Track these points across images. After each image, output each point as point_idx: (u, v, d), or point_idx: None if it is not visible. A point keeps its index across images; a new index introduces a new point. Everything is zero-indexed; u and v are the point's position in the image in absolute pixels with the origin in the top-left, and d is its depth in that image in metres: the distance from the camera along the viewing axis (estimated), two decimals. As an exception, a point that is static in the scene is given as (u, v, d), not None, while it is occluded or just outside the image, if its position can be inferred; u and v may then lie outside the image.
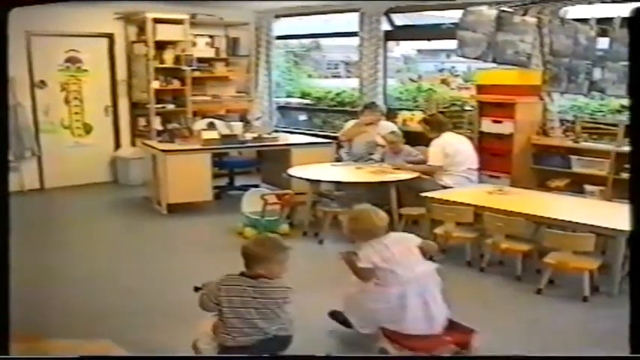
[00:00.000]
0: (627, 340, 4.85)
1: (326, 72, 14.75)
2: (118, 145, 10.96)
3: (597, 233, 5.65)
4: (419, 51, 14.46)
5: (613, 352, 4.65)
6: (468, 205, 6.51)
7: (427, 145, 7.80)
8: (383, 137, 8.36)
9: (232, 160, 10.05)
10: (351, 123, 8.95)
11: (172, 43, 10.50)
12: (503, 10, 8.01)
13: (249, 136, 9.17)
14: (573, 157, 8.01)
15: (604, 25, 7.59)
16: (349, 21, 10.49)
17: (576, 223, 5.87)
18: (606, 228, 5.76)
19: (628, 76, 2.93)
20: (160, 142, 9.06)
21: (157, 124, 10.44)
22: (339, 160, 8.66)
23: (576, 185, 7.75)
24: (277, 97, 12.20)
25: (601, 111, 8.80)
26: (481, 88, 8.71)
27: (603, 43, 7.70)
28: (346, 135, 8.79)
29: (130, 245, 7.59)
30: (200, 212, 8.55)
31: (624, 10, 7.30)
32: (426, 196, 6.88)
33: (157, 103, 10.50)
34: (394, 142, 8.23)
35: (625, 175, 7.40)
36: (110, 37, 10.60)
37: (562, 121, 8.51)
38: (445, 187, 7.33)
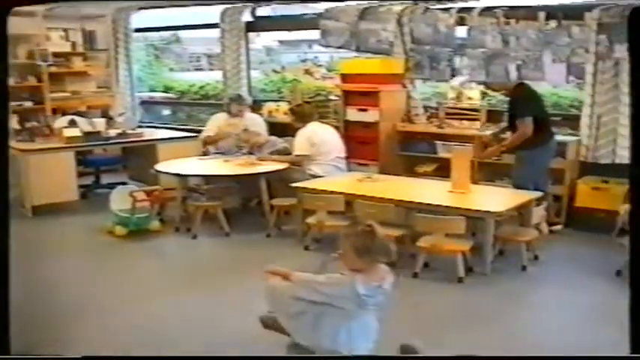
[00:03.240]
0: (502, 316, 5.05)
1: (188, 65, 14.57)
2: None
3: (467, 216, 5.78)
4: (280, 42, 14.49)
5: (490, 329, 4.80)
6: (339, 193, 6.54)
7: (294, 135, 7.80)
8: (237, 135, 8.27)
9: (97, 158, 9.74)
10: (216, 117, 8.80)
11: (25, 37, 10.07)
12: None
13: (112, 132, 8.91)
14: (439, 143, 8.18)
15: (463, 13, 7.79)
16: (210, 12, 10.33)
17: (446, 206, 6.01)
18: (475, 210, 5.93)
19: (629, 75, 2.96)
20: (19, 141, 8.66)
21: (14, 123, 9.99)
22: (206, 153, 8.53)
23: (444, 170, 7.92)
24: (140, 92, 11.94)
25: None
26: (345, 78, 8.75)
27: (462, 31, 7.93)
28: (213, 138, 8.57)
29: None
30: (67, 212, 8.22)
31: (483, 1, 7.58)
32: (297, 187, 6.86)
33: (13, 100, 10.03)
34: (248, 140, 8.19)
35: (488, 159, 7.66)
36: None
37: (426, 108, 8.69)
38: (315, 177, 7.34)
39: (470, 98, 8.19)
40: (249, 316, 4.46)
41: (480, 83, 7.98)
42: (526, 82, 7.29)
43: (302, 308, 3.99)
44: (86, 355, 3.61)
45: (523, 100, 6.94)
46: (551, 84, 8.33)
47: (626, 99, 7.17)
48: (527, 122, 6.73)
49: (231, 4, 9.89)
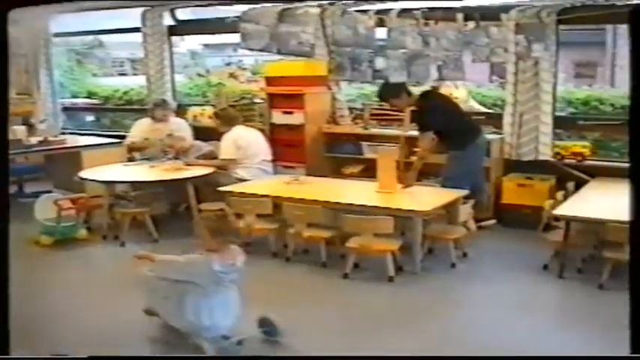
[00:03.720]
0: (433, 314, 5.10)
1: (112, 70, 14.35)
2: None
3: (395, 215, 5.81)
4: (205, 45, 14.40)
5: (421, 327, 4.85)
6: (266, 196, 6.53)
7: (220, 139, 7.75)
8: (161, 141, 8.18)
9: (19, 167, 9.44)
10: (140, 123, 8.67)
11: None
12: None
13: (34, 140, 8.73)
14: (364, 144, 8.24)
15: (381, 15, 7.84)
16: (133, 16, 10.17)
17: (374, 207, 6.05)
18: (402, 210, 5.99)
19: (629, 75, 2.97)
20: None
21: None
22: (131, 159, 8.41)
23: (371, 171, 7.96)
24: (62, 98, 11.63)
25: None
26: (270, 80, 8.72)
27: (382, 32, 7.98)
28: (138, 145, 8.44)
29: None
30: (-11, 223, 7.99)
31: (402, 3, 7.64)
32: (224, 191, 6.82)
33: None
34: (173, 145, 8.12)
35: (414, 158, 7.72)
36: None
37: (351, 109, 8.74)
38: (242, 180, 7.30)
39: (456, 98, 8.16)
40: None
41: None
42: (438, 87, 7.50)
43: (167, 291, 4.43)
44: (92, 355, 3.65)
45: (426, 113, 7.00)
46: (475, 83, 8.46)
47: (546, 97, 7.34)
48: (426, 137, 6.87)
49: (151, 6, 9.75)
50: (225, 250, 4.36)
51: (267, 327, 4.56)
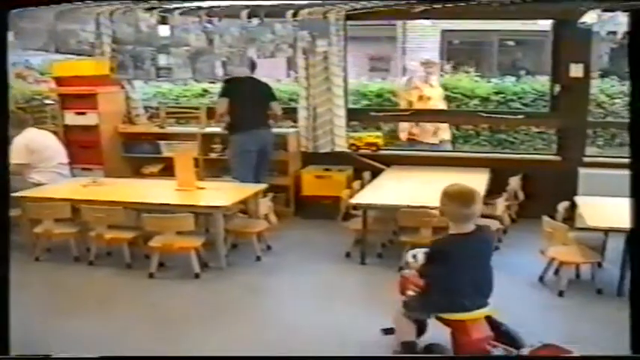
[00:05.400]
0: (241, 307, 5.13)
1: None
2: None
3: (196, 212, 5.83)
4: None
5: (230, 321, 4.88)
6: (64, 200, 6.33)
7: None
8: None
9: None
10: None
11: None
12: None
13: None
14: (162, 143, 8.18)
15: (165, 13, 7.77)
16: None
17: (174, 205, 6.04)
18: (202, 206, 6.05)
19: (629, 75, 2.99)
20: None
21: None
22: None
23: (170, 169, 7.89)
24: None
25: (185, 96, 9.09)
26: (60, 81, 8.43)
27: (165, 30, 7.90)
28: None
29: None
30: None
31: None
32: (19, 196, 6.55)
33: None
34: None
35: (213, 155, 7.77)
36: None
37: (146, 108, 8.63)
38: (37, 185, 7.02)
39: (429, 98, 8.28)
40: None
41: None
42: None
43: None
44: (104, 355, 3.53)
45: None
46: (274, 78, 8.59)
47: (337, 90, 7.58)
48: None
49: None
50: None
51: None
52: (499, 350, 3.80)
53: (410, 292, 4.13)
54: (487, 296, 3.95)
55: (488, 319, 3.93)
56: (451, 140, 8.71)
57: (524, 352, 3.74)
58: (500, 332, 3.92)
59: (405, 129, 8.46)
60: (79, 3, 7.89)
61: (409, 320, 4.07)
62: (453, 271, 3.84)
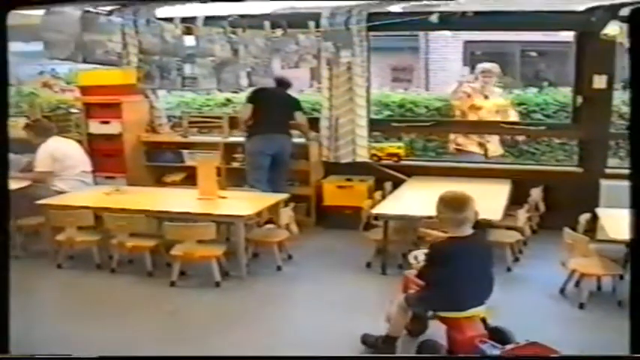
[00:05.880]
0: (261, 317, 5.15)
1: None
2: None
3: (217, 221, 5.86)
4: (14, 53, 13.79)
5: (250, 330, 4.89)
6: (87, 207, 6.38)
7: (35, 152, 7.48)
8: None
9: None
10: None
11: None
12: (87, 11, 7.84)
13: None
14: (185, 152, 8.23)
15: (188, 23, 7.82)
16: None
17: (195, 213, 6.07)
18: (224, 215, 6.07)
19: (629, 75, 3.01)
20: None
21: None
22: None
23: (192, 178, 7.94)
24: None
25: (208, 105, 9.13)
26: (85, 90, 8.51)
27: (191, 40, 7.93)
28: None
29: None
30: None
31: (207, 10, 7.64)
32: (43, 204, 6.60)
33: None
34: None
35: (235, 164, 7.81)
36: None
37: (169, 118, 8.69)
38: (61, 193, 7.08)
39: (479, 108, 8.11)
40: None
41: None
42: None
43: None
44: (102, 355, 3.60)
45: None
46: (297, 90, 8.61)
47: (360, 101, 7.60)
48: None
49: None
50: None
51: None
52: (488, 346, 3.88)
53: (411, 291, 4.33)
54: (484, 298, 4.12)
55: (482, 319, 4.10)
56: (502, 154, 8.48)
57: (509, 347, 3.79)
58: (491, 329, 4.08)
59: (451, 140, 8.34)
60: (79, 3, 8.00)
61: (406, 316, 4.27)
62: (450, 271, 4.01)
